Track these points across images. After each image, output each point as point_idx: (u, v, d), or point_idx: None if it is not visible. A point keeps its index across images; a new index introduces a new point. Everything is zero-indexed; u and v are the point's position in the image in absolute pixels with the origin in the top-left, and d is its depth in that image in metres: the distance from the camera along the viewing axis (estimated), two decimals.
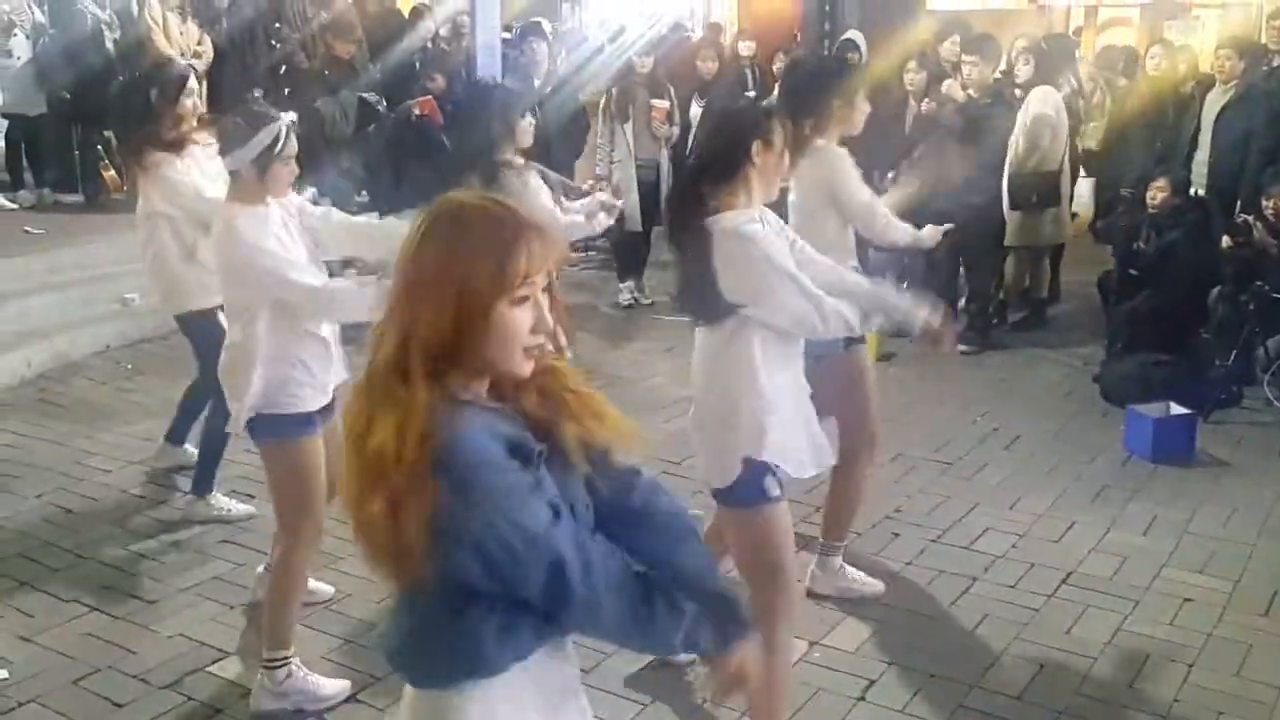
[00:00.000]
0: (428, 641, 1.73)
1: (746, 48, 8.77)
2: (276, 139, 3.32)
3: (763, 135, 2.99)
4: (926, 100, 7.22)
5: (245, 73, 8.80)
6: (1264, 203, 6.31)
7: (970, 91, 7.06)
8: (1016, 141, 7.18)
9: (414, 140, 7.57)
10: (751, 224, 2.95)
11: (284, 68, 8.70)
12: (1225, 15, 11.27)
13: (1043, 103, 7.24)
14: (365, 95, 7.65)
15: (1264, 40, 7.26)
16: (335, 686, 3.48)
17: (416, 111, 7.61)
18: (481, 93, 5.67)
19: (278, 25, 8.92)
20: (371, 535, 1.65)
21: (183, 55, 8.59)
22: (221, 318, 3.82)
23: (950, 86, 7.09)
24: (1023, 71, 7.36)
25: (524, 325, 1.68)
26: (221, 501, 4.69)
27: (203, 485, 4.68)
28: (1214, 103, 7.10)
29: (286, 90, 8.62)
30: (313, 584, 3.80)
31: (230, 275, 3.40)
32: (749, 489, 2.98)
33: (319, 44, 8.47)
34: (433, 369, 1.64)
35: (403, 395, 1.62)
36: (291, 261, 3.31)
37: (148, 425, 5.64)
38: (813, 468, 3.13)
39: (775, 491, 3.01)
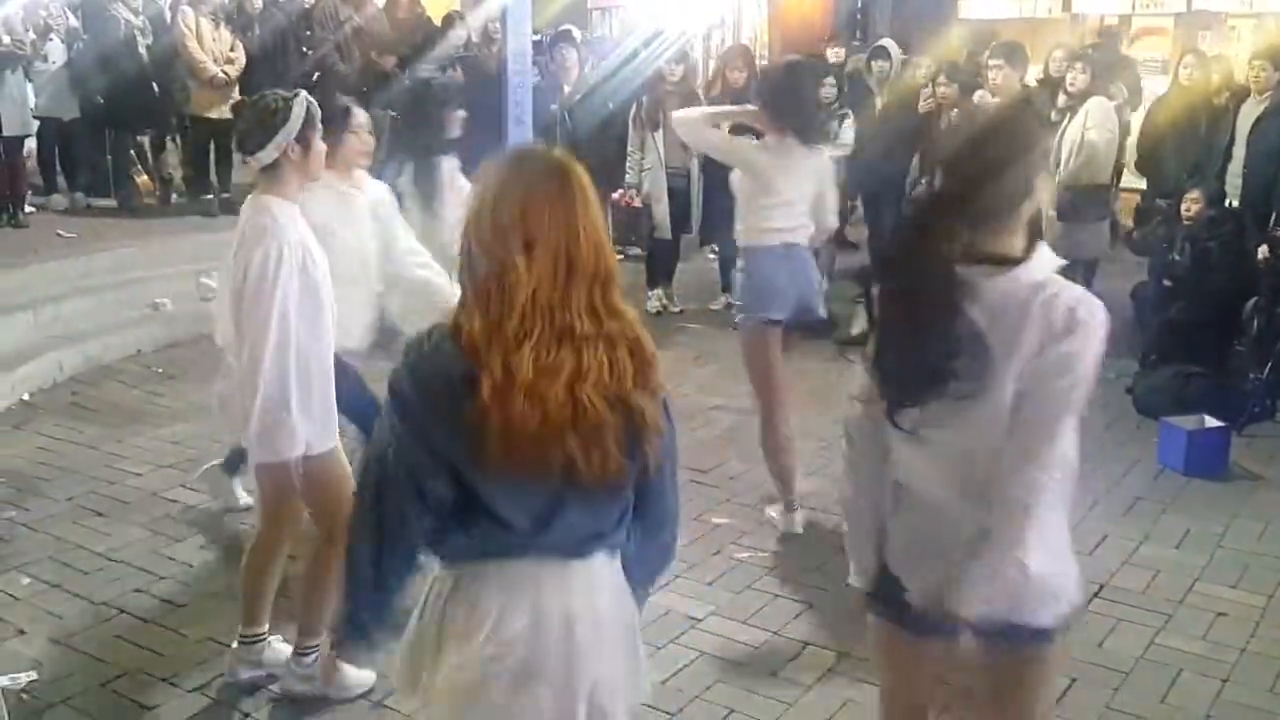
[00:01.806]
0: None
1: (737, 79, 8.71)
2: (309, 110, 3.30)
3: (1043, 167, 2.32)
4: (957, 111, 7.20)
5: (278, 79, 8.84)
6: None
7: (993, 99, 7.04)
8: (1067, 153, 7.13)
9: None
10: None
11: (317, 74, 8.76)
12: (1260, 25, 11.14)
13: (1103, 115, 7.19)
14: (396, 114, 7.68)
15: None
16: (360, 676, 3.54)
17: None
18: (420, 86, 5.78)
19: (309, 32, 8.98)
20: None
21: (215, 62, 8.69)
22: None
23: (983, 97, 7.08)
24: (1079, 80, 7.25)
25: None
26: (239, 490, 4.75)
27: (232, 464, 4.74)
28: (1248, 114, 7.04)
29: (320, 98, 8.68)
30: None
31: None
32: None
33: (353, 49, 8.50)
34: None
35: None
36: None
37: (178, 429, 5.71)
38: None
39: None
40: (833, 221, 5.18)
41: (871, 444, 2.40)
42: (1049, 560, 2.22)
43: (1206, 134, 7.41)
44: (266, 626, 3.59)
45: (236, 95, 8.83)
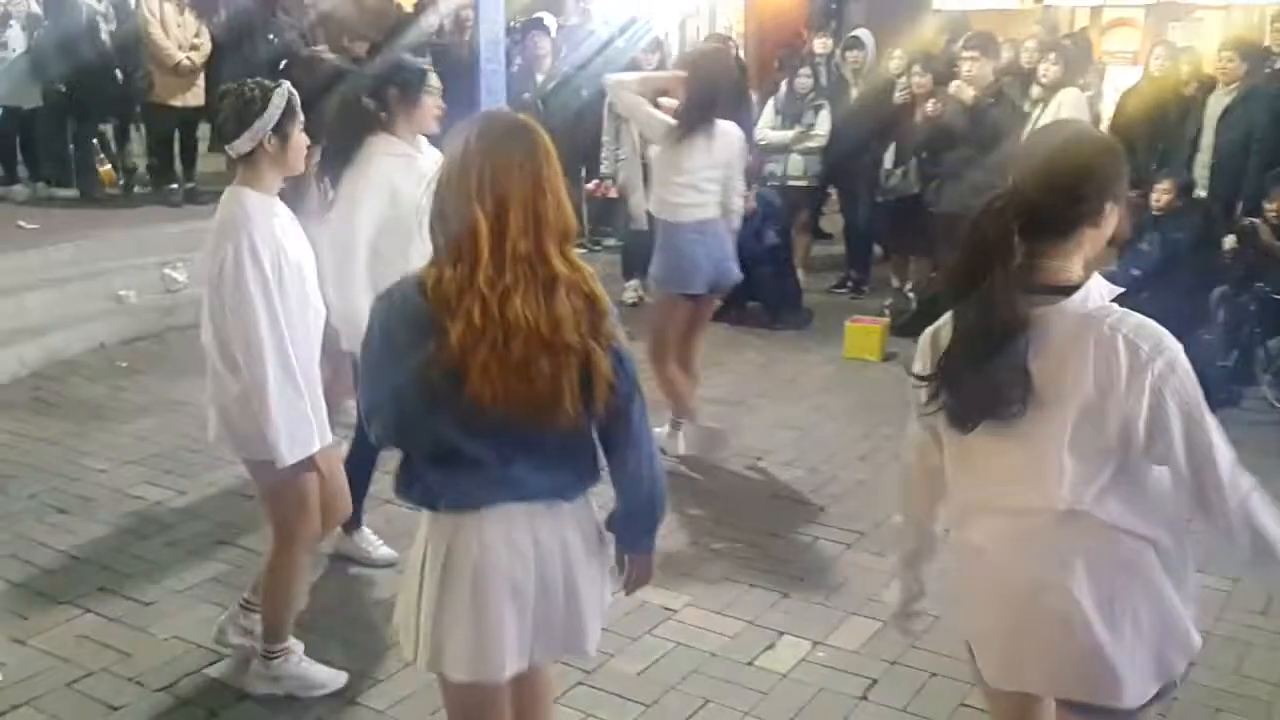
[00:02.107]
0: None
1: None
2: (290, 102, 3.22)
3: (1116, 195, 2.16)
4: (933, 101, 7.22)
5: (245, 65, 8.74)
6: (1267, 205, 6.31)
7: (970, 89, 7.07)
8: None
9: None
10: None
11: (284, 60, 8.67)
12: (1228, 17, 11.24)
13: (1075, 106, 7.24)
14: (367, 100, 7.61)
15: (1267, 42, 7.26)
16: (329, 675, 3.51)
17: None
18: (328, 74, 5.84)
19: (276, 17, 8.87)
20: None
21: (180, 48, 8.58)
22: None
23: (959, 87, 7.09)
24: (1051, 71, 7.29)
25: None
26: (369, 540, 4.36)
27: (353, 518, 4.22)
28: (1216, 104, 7.10)
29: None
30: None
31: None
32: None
33: (320, 37, 8.42)
34: None
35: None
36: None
37: (143, 424, 5.65)
38: None
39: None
40: (738, 204, 5.35)
41: (923, 460, 2.38)
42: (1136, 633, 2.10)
43: (1175, 124, 7.45)
44: (290, 640, 3.49)
45: (202, 83, 8.75)
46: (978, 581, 2.26)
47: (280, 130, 3.18)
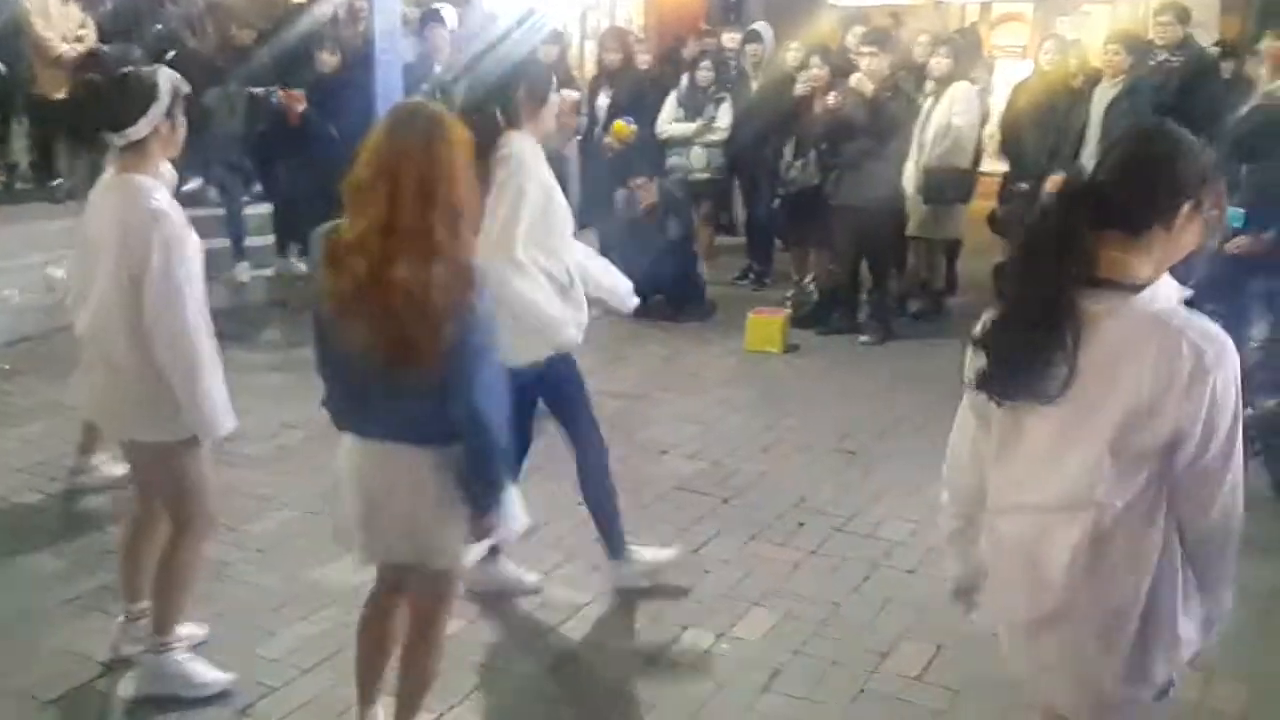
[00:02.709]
0: None
1: (644, 61, 8.83)
2: (175, 85, 3.28)
3: (1196, 197, 2.11)
4: (834, 94, 7.33)
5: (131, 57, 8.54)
6: None
7: (870, 83, 7.19)
8: (933, 137, 7.36)
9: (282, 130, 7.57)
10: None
11: (171, 51, 8.48)
12: (1114, 11, 11.60)
13: (966, 99, 7.42)
14: (255, 91, 7.49)
15: (1150, 35, 7.46)
16: (215, 676, 3.47)
17: (275, 99, 7.51)
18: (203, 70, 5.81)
19: (162, 7, 8.67)
20: None
21: (63, 40, 8.33)
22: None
23: (859, 80, 7.20)
24: (941, 65, 7.49)
25: None
26: (644, 555, 4.23)
27: (616, 546, 4.17)
28: (1102, 97, 7.27)
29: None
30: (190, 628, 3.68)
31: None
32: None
33: (207, 25, 8.26)
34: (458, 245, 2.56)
35: None
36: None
37: (29, 428, 5.48)
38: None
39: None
40: None
41: (969, 441, 2.42)
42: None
43: (1064, 116, 7.63)
44: (177, 634, 3.45)
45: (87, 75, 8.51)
46: (998, 572, 2.32)
47: (171, 114, 3.25)
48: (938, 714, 3.42)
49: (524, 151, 3.73)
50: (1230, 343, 2.03)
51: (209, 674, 3.46)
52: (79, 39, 8.44)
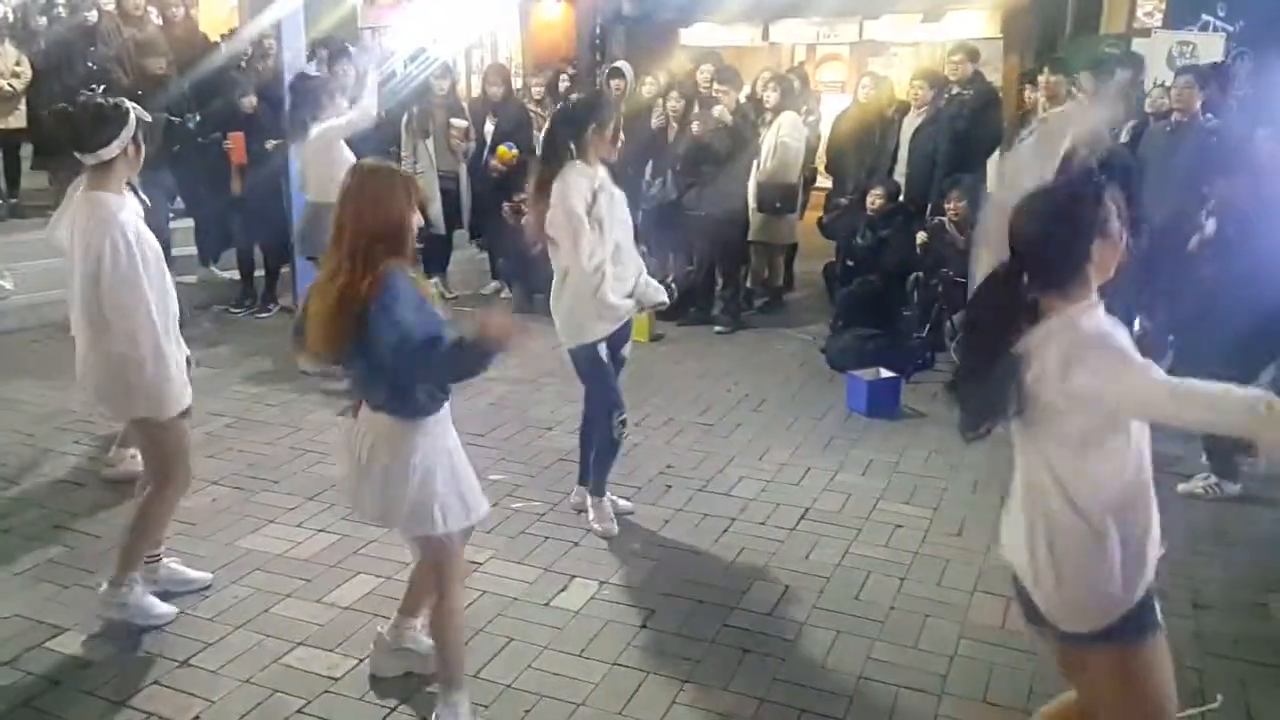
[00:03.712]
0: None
1: (538, 89, 8.77)
2: (139, 116, 3.33)
3: (1102, 230, 2.17)
4: (697, 123, 7.38)
5: (65, 91, 8.13)
6: (948, 206, 6.74)
7: (728, 114, 7.28)
8: (765, 156, 7.50)
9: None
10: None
11: (101, 86, 8.10)
12: (917, 51, 11.94)
13: (792, 126, 7.58)
14: (170, 117, 7.24)
15: (946, 73, 7.70)
16: (166, 608, 3.53)
17: (226, 145, 7.33)
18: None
19: (93, 47, 8.26)
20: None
21: (1, 75, 7.91)
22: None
23: (721, 111, 7.27)
24: (772, 98, 7.66)
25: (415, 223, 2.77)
26: (620, 505, 4.43)
27: (597, 486, 4.39)
28: (909, 125, 7.50)
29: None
30: (192, 573, 3.78)
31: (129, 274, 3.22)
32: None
33: (131, 62, 7.93)
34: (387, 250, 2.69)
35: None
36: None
37: None
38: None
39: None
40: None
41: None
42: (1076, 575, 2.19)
43: (879, 141, 7.84)
44: (135, 572, 3.51)
45: (24, 108, 8.22)
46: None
47: (136, 140, 3.32)
48: (786, 643, 3.49)
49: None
50: (1110, 332, 2.12)
51: (160, 607, 3.52)
52: (15, 74, 8.09)
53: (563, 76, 8.91)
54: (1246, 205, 4.81)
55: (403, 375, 2.70)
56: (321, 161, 5.98)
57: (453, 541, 2.92)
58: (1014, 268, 2.19)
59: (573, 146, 4.00)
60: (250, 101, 7.50)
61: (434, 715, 2.96)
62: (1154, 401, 2.07)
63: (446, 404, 2.86)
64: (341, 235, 2.68)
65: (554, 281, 4.20)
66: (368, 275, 2.63)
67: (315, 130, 6.18)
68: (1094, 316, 2.15)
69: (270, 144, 7.34)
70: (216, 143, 7.40)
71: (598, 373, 4.23)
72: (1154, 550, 2.24)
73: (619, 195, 4.15)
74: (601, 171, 4.09)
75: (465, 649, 3.08)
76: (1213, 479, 4.68)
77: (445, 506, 2.82)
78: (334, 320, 2.66)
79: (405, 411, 2.78)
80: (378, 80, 6.52)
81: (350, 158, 5.70)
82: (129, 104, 3.35)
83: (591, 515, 4.34)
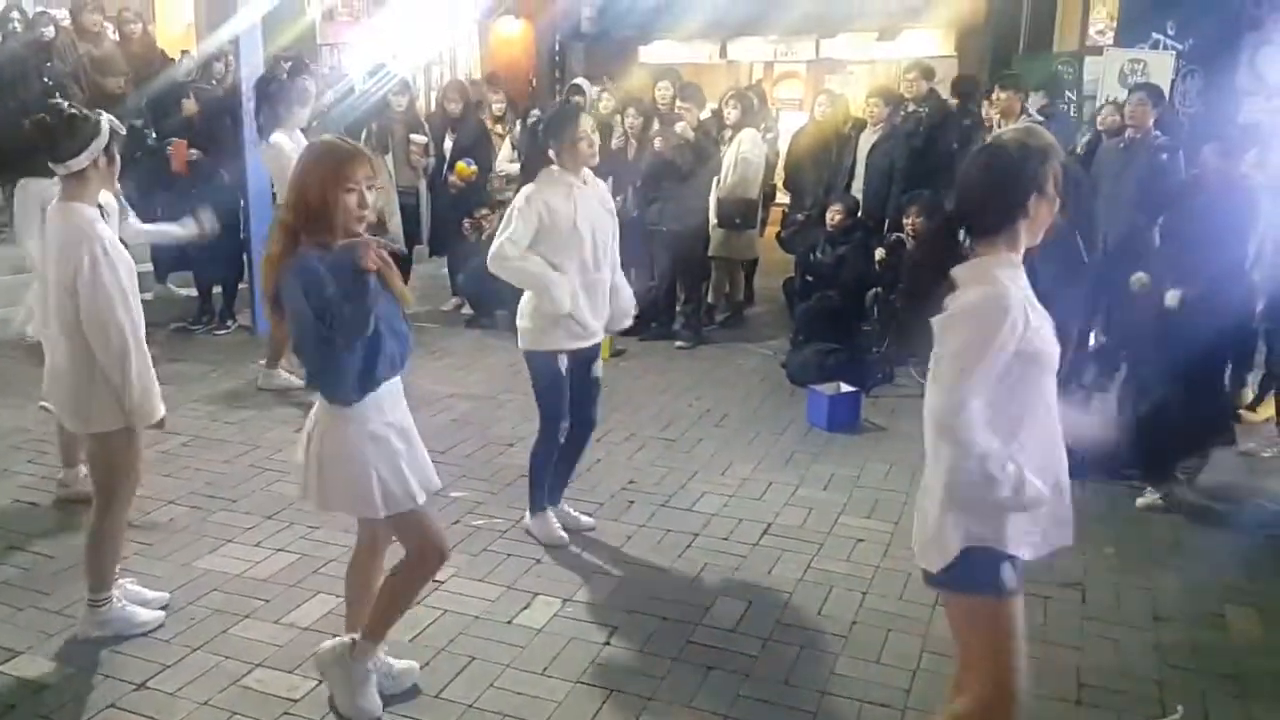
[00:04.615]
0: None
1: (499, 105, 8.76)
2: (112, 128, 3.32)
3: (1041, 187, 2.29)
4: (659, 139, 7.40)
5: (20, 106, 8.01)
6: (906, 222, 6.82)
7: (691, 131, 7.31)
8: (725, 172, 7.54)
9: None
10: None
11: (55, 100, 7.99)
12: (873, 69, 12.09)
13: (752, 142, 7.63)
14: (133, 124, 7.15)
15: (901, 90, 7.80)
16: (149, 615, 3.55)
17: (168, 150, 7.24)
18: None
19: (50, 64, 8.14)
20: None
21: None
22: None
23: (684, 128, 7.29)
24: (732, 115, 7.69)
25: (353, 204, 2.74)
26: (569, 518, 4.42)
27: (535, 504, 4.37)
28: (866, 141, 7.59)
29: None
30: (150, 593, 3.72)
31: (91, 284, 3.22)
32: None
33: (87, 78, 7.83)
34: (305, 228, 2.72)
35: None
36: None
37: None
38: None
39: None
40: None
41: None
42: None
43: (836, 158, 7.92)
44: (112, 589, 3.51)
45: None
46: None
47: (109, 151, 3.31)
48: (750, 659, 3.48)
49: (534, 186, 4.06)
50: (986, 299, 2.23)
51: (145, 614, 3.55)
52: None
53: (496, 102, 8.84)
54: (1197, 230, 4.91)
55: (307, 350, 2.77)
56: (277, 172, 6.02)
57: (414, 516, 2.96)
58: (955, 214, 2.37)
59: (551, 155, 4.04)
60: (190, 105, 7.42)
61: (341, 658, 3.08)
62: (939, 406, 2.23)
63: (380, 390, 2.85)
64: (284, 205, 2.79)
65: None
66: (284, 256, 2.71)
67: (274, 138, 6.16)
68: (999, 280, 2.24)
69: (193, 153, 7.22)
70: (169, 156, 7.31)
71: (555, 386, 4.17)
72: (1022, 521, 2.31)
73: (604, 206, 4.16)
74: (584, 179, 4.10)
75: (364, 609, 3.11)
76: (1162, 488, 4.76)
77: (385, 492, 2.87)
78: (266, 283, 2.80)
79: (329, 393, 2.83)
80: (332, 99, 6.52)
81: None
82: (102, 115, 3.33)
83: (536, 531, 4.31)
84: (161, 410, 3.40)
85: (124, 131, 3.40)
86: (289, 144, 6.09)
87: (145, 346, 3.33)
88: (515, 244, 3.99)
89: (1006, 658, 2.36)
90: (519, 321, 4.17)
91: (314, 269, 2.67)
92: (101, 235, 3.23)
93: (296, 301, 2.67)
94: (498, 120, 8.55)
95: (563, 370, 4.15)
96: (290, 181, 2.79)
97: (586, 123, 4.11)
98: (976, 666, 2.41)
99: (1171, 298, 4.86)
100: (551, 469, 4.31)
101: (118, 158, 3.36)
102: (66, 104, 3.43)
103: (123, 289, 3.23)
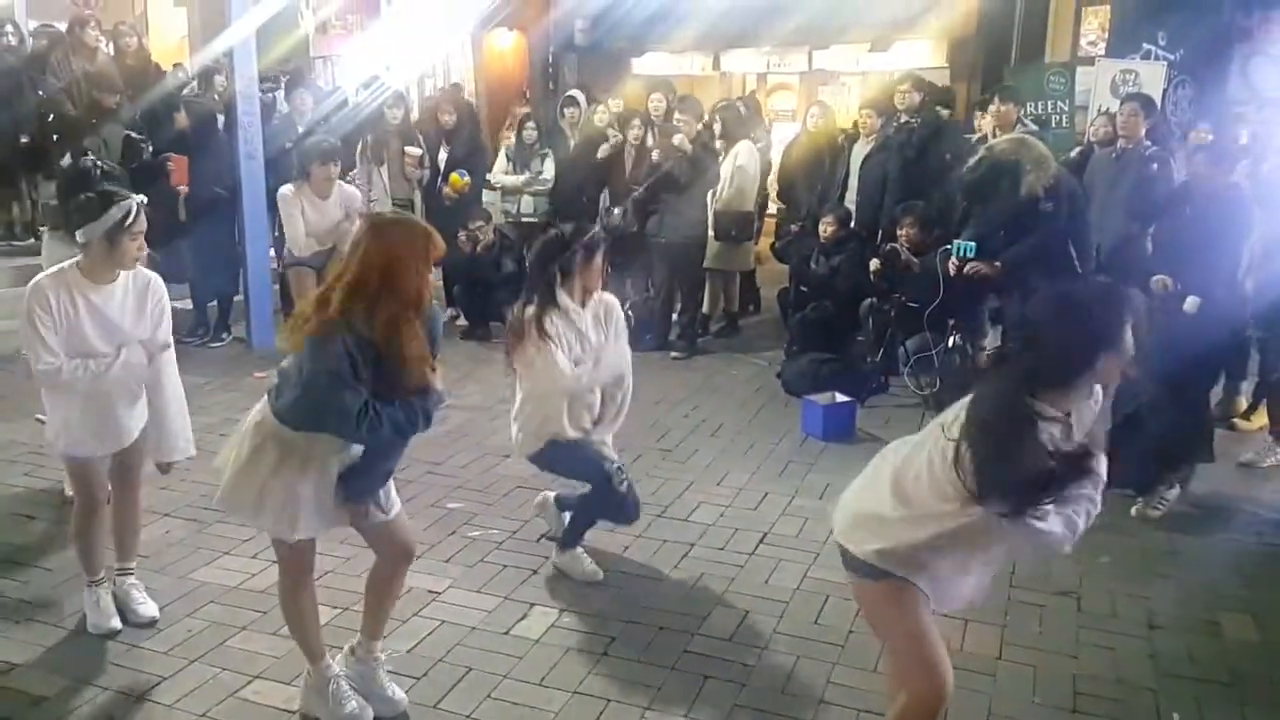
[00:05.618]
0: None
1: (448, 121, 8.75)
2: (127, 215, 3.25)
3: (1114, 343, 2.17)
4: (656, 150, 7.43)
5: (14, 123, 8.04)
6: (900, 233, 6.85)
7: (689, 143, 7.35)
8: (723, 185, 7.58)
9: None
10: None
11: (51, 116, 8.01)
12: (866, 80, 12.14)
13: (748, 153, 7.67)
14: (130, 133, 7.17)
15: (894, 102, 7.83)
16: (108, 625, 3.60)
17: (169, 166, 7.26)
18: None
19: (45, 77, 8.16)
20: None
21: None
22: None
23: (681, 141, 7.32)
24: (718, 128, 7.76)
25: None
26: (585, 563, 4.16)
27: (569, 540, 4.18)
28: (859, 152, 7.61)
29: (55, 136, 7.93)
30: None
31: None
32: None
33: (83, 93, 7.85)
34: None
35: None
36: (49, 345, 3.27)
37: None
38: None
39: None
40: None
41: None
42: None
43: (829, 169, 7.94)
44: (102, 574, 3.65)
45: None
46: None
47: (110, 237, 3.24)
48: (747, 668, 3.49)
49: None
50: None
51: (108, 622, 3.60)
52: None
53: (513, 110, 8.92)
54: (1188, 238, 4.95)
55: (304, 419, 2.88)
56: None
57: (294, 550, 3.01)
58: (1022, 362, 2.23)
59: (558, 277, 3.86)
60: (182, 118, 7.45)
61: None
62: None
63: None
64: (343, 276, 2.75)
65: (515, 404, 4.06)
66: (321, 324, 2.72)
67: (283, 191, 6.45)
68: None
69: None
70: (165, 171, 7.31)
71: (578, 455, 3.98)
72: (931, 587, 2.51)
73: (612, 332, 4.02)
74: (590, 307, 3.95)
75: (308, 635, 3.15)
76: (1152, 498, 4.78)
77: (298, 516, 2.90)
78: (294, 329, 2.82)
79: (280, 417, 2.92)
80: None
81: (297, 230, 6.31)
82: (121, 200, 3.26)
83: (568, 567, 4.14)
84: (83, 451, 3.48)
85: (137, 216, 3.30)
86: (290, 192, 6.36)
87: (74, 391, 3.36)
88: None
89: (920, 641, 2.51)
90: (514, 435, 4.06)
91: (337, 356, 2.73)
92: (33, 308, 3.22)
93: (325, 372, 2.76)
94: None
95: (570, 437, 3.97)
96: (371, 259, 2.74)
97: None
98: (900, 652, 2.59)
99: (1191, 304, 4.90)
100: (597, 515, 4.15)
101: (124, 245, 3.28)
102: (99, 169, 3.50)
103: (56, 329, 3.25)
